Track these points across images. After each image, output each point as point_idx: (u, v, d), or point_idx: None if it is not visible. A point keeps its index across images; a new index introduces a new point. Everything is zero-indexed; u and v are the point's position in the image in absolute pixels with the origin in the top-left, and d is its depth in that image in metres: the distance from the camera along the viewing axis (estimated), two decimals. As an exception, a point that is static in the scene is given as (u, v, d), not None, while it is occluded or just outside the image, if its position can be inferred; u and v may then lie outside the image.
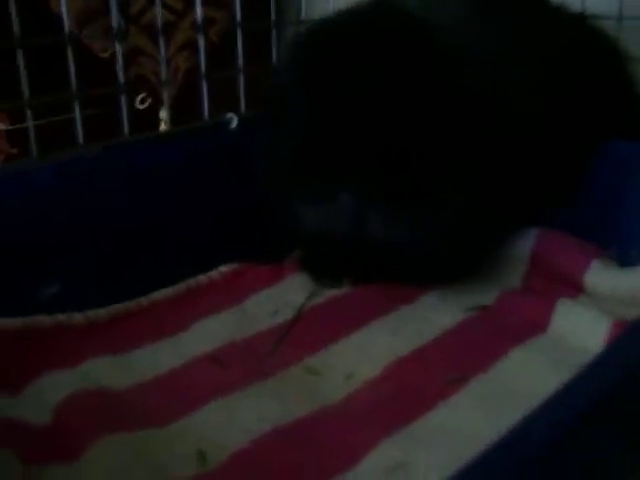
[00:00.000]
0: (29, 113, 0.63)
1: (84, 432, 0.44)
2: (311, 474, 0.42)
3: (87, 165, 0.63)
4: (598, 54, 0.70)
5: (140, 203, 0.64)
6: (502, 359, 0.52)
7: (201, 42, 0.74)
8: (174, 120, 0.77)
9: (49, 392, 0.49)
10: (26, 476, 0.41)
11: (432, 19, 0.56)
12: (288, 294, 0.62)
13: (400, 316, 0.59)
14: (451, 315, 0.58)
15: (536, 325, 0.56)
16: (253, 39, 0.77)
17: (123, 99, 0.69)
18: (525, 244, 0.62)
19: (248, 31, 0.77)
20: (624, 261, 0.60)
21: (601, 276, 0.58)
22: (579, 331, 0.54)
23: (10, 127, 0.99)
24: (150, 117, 1.02)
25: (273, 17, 0.81)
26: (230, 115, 0.71)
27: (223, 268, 0.64)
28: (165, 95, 0.77)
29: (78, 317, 0.56)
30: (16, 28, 0.60)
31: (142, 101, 1.01)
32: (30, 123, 0.63)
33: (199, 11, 0.74)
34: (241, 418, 0.46)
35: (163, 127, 1.02)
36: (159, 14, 0.74)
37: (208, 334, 0.56)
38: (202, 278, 0.63)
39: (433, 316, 0.58)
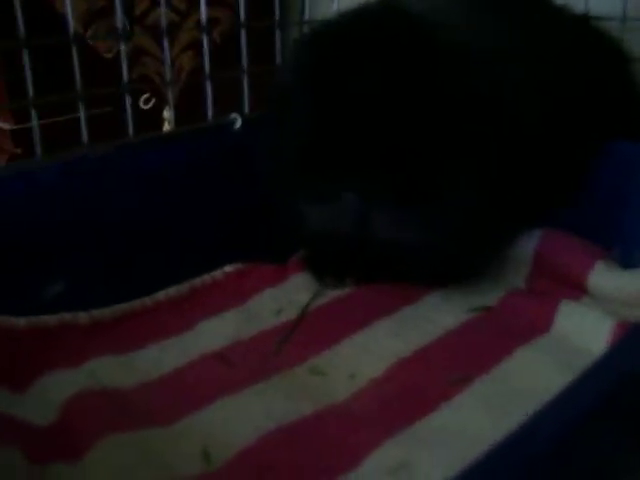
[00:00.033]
0: (34, 113, 0.63)
1: (89, 431, 0.44)
2: (314, 473, 0.42)
3: (91, 165, 0.63)
4: (601, 55, 0.70)
5: (144, 203, 0.64)
6: (505, 359, 0.52)
7: (205, 42, 0.74)
8: (178, 120, 0.77)
9: (53, 391, 0.49)
10: (30, 475, 0.41)
11: (437, 19, 0.56)
12: (292, 294, 0.62)
13: (403, 316, 0.59)
14: (454, 315, 0.58)
15: (539, 326, 0.56)
16: (257, 39, 0.77)
17: (127, 99, 0.69)
18: (528, 245, 0.62)
19: (252, 31, 0.77)
20: (627, 262, 0.60)
21: (605, 277, 0.58)
22: (582, 332, 0.54)
23: (14, 127, 0.99)
24: (154, 117, 1.02)
25: (277, 17, 0.81)
26: (234, 115, 0.71)
27: (227, 268, 0.65)
28: (169, 95, 0.77)
29: (83, 317, 0.56)
30: (21, 28, 0.61)
31: (146, 101, 1.01)
32: (35, 123, 0.64)
33: (204, 11, 0.74)
34: (246, 417, 0.47)
35: (167, 127, 1.02)
36: (163, 14, 0.74)
37: (212, 333, 0.57)
38: (206, 278, 0.63)
39: (436, 316, 0.58)
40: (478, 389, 0.49)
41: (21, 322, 0.53)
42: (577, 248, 0.61)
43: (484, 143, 0.54)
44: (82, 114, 0.65)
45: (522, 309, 0.58)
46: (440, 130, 0.52)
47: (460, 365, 0.52)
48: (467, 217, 0.54)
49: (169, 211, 0.65)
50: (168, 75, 0.76)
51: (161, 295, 0.61)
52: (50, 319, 0.55)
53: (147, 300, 0.60)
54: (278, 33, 0.81)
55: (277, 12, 0.82)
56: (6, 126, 0.99)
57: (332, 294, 0.62)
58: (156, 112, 1.03)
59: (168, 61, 0.75)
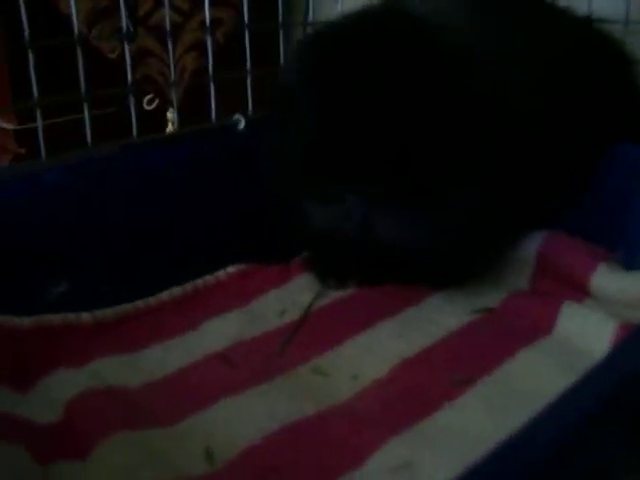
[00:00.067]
0: (39, 113, 0.64)
1: (92, 431, 0.44)
2: (317, 473, 0.42)
3: (95, 166, 0.63)
4: (604, 57, 0.70)
5: (148, 204, 0.64)
6: (508, 361, 0.52)
7: (209, 43, 0.74)
8: (181, 121, 0.77)
9: (57, 391, 0.49)
10: (35, 474, 0.41)
11: (440, 21, 0.56)
12: (295, 295, 0.62)
13: (406, 318, 0.59)
14: (457, 317, 0.58)
15: (542, 327, 0.56)
16: (260, 40, 0.77)
17: (132, 100, 0.69)
18: (531, 246, 0.62)
19: (255, 32, 0.77)
20: (630, 265, 0.60)
21: (607, 279, 0.58)
22: (585, 333, 0.54)
23: (18, 127, 0.99)
24: (157, 118, 1.02)
25: (281, 18, 0.81)
26: (237, 116, 0.71)
27: (230, 269, 0.65)
28: (173, 96, 0.77)
29: (86, 317, 0.56)
30: (26, 30, 0.61)
31: (149, 102, 1.01)
32: (40, 123, 0.64)
33: (207, 12, 0.74)
34: (249, 417, 0.47)
35: (170, 128, 1.02)
36: (167, 15, 0.74)
37: (216, 334, 0.57)
38: (210, 279, 0.63)
39: (439, 318, 0.58)
40: (480, 390, 0.49)
41: (25, 322, 0.54)
42: (580, 250, 0.61)
43: (487, 145, 0.54)
44: (86, 115, 0.66)
45: (525, 311, 0.58)
46: (443, 132, 0.52)
47: (463, 366, 0.52)
48: (470, 219, 0.54)
49: (173, 212, 0.65)
50: (172, 76, 0.76)
51: (165, 295, 0.61)
52: (54, 319, 0.55)
53: (151, 300, 0.60)
54: (282, 34, 0.81)
55: (281, 13, 0.82)
56: (10, 126, 1.00)
57: (335, 295, 0.62)
58: (159, 113, 1.03)
59: (172, 62, 0.75)
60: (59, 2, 0.90)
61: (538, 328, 0.56)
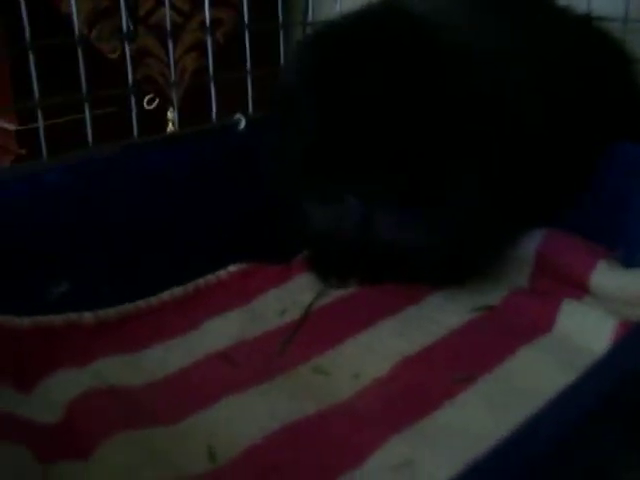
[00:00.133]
0: (40, 114, 0.64)
1: (94, 431, 0.45)
2: (318, 472, 0.42)
3: (96, 166, 0.63)
4: (604, 55, 0.70)
5: (149, 204, 0.64)
6: (508, 359, 0.53)
7: (209, 43, 0.74)
8: (181, 121, 0.77)
9: (59, 391, 0.49)
10: (37, 474, 0.42)
11: (439, 20, 0.56)
12: (296, 294, 0.62)
13: (407, 316, 0.59)
14: (458, 315, 0.59)
15: (542, 325, 0.56)
16: (260, 40, 0.77)
17: (132, 100, 0.69)
18: (531, 244, 0.62)
19: (255, 32, 0.77)
20: (630, 263, 0.60)
21: (607, 276, 0.58)
22: (585, 331, 0.54)
23: (19, 127, 0.99)
24: (158, 118, 1.03)
25: (280, 18, 0.82)
26: (238, 116, 0.71)
27: (232, 268, 0.65)
28: (173, 96, 0.77)
29: (88, 317, 0.56)
30: (27, 30, 0.61)
31: (150, 102, 1.02)
32: (40, 123, 0.64)
33: (207, 13, 0.74)
34: (250, 416, 0.47)
35: (171, 128, 1.02)
36: (168, 16, 0.74)
37: (217, 333, 0.57)
38: (211, 278, 0.64)
39: (440, 316, 0.59)
40: (481, 388, 0.50)
41: (26, 322, 0.54)
42: (579, 248, 0.61)
43: (486, 144, 0.54)
44: (87, 115, 0.66)
45: (525, 308, 0.58)
46: (443, 131, 0.52)
47: (463, 364, 0.52)
48: (469, 218, 0.55)
49: (174, 211, 0.66)
50: (172, 76, 0.76)
51: (166, 295, 0.61)
52: (55, 319, 0.55)
53: (152, 300, 0.60)
54: (281, 34, 0.81)
55: (280, 13, 0.82)
56: (11, 127, 1.00)
57: (336, 294, 0.62)
58: (160, 113, 1.03)
59: (173, 63, 0.75)
60: (60, 2, 0.90)
61: (538, 326, 0.56)
